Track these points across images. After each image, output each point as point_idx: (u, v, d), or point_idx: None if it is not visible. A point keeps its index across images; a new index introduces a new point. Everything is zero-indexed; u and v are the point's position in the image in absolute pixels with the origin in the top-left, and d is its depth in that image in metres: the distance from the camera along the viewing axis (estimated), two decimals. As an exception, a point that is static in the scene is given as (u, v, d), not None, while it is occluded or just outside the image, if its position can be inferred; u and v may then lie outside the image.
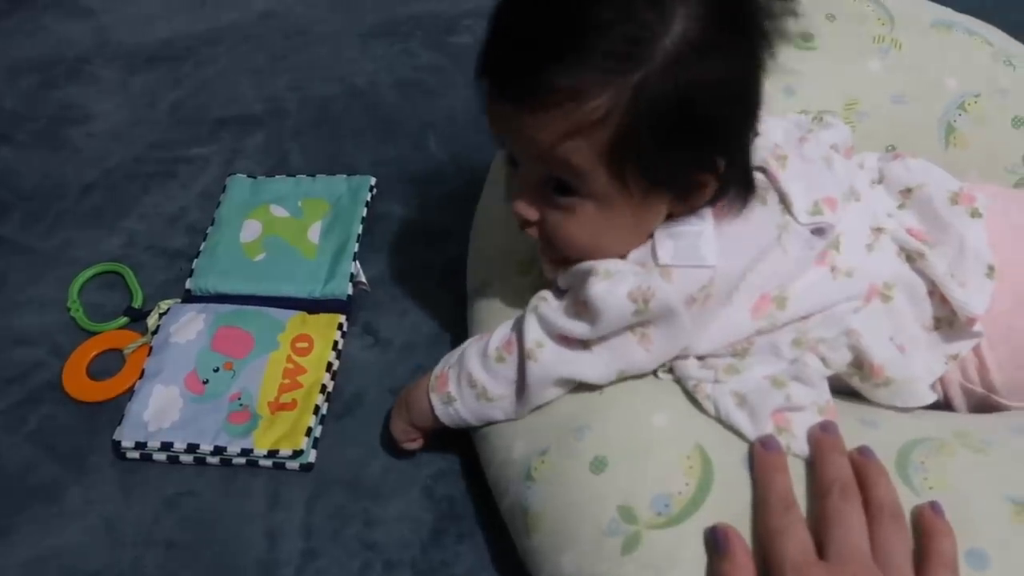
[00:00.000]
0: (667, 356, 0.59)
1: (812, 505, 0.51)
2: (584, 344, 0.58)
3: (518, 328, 0.60)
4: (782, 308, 0.58)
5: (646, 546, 0.51)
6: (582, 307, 0.57)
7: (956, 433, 0.56)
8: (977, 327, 0.60)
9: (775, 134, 0.63)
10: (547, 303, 0.60)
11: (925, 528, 0.50)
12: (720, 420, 0.56)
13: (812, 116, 0.69)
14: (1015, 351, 0.62)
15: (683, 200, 0.56)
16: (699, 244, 0.55)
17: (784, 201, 0.58)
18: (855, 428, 0.56)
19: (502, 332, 0.62)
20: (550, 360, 0.58)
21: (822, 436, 0.54)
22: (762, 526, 0.51)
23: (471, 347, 0.63)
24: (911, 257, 0.62)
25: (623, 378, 0.59)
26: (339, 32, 1.10)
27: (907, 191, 0.64)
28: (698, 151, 0.53)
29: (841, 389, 0.60)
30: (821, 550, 0.49)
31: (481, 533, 0.67)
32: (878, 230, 0.62)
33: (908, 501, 0.51)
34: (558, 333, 0.58)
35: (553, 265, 0.61)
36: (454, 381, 0.62)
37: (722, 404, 0.56)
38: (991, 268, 0.61)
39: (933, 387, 0.61)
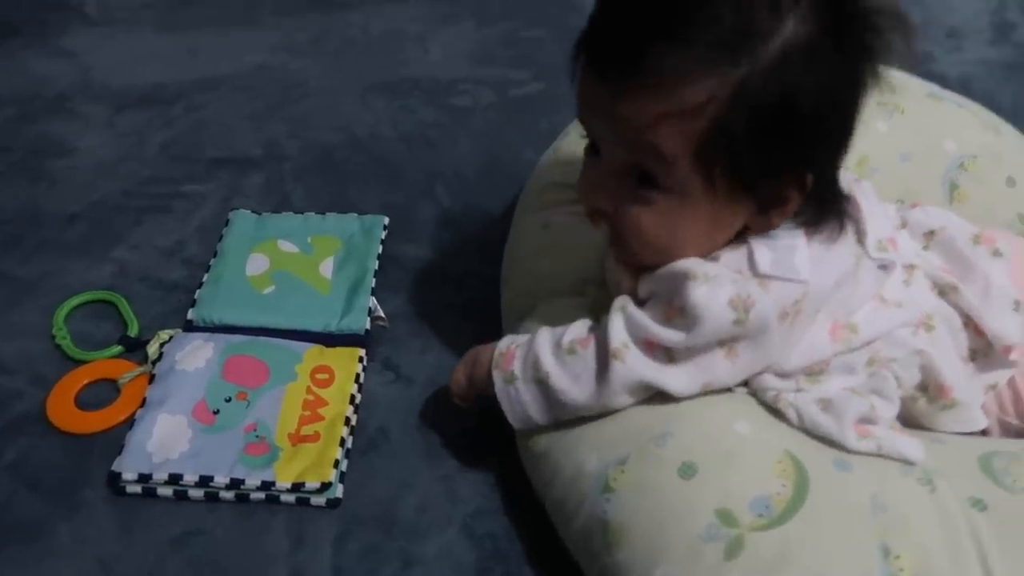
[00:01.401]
0: (751, 372, 0.58)
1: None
2: (669, 356, 0.56)
3: (601, 328, 0.58)
4: (855, 333, 0.58)
5: (750, 549, 0.49)
6: (676, 313, 0.55)
7: (1022, 447, 0.57)
8: (1013, 356, 0.63)
9: None
10: (632, 307, 0.58)
11: None
12: (803, 427, 0.56)
13: None
14: None
15: (764, 212, 0.56)
16: (794, 258, 0.55)
17: (859, 233, 0.59)
18: (928, 446, 0.56)
19: (578, 328, 0.60)
20: (635, 364, 0.56)
21: None
22: None
23: (543, 333, 0.61)
24: (943, 291, 0.64)
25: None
26: (337, 87, 1.10)
27: (930, 233, 0.68)
28: (790, 159, 0.53)
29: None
30: None
31: (530, 571, 0.63)
32: (911, 267, 0.65)
33: (1004, 499, 0.52)
34: (646, 338, 0.56)
35: (630, 271, 0.60)
36: (520, 360, 0.60)
37: (806, 411, 0.56)
38: (1017, 303, 0.64)
39: None
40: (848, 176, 0.69)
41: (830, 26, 0.50)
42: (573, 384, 0.58)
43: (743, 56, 0.50)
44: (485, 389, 0.63)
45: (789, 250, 0.55)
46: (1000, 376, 0.63)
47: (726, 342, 0.56)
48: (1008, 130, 0.84)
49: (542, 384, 0.59)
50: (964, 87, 0.95)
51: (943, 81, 0.90)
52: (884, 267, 0.61)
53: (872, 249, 0.60)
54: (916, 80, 0.89)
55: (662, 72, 0.50)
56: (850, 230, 0.59)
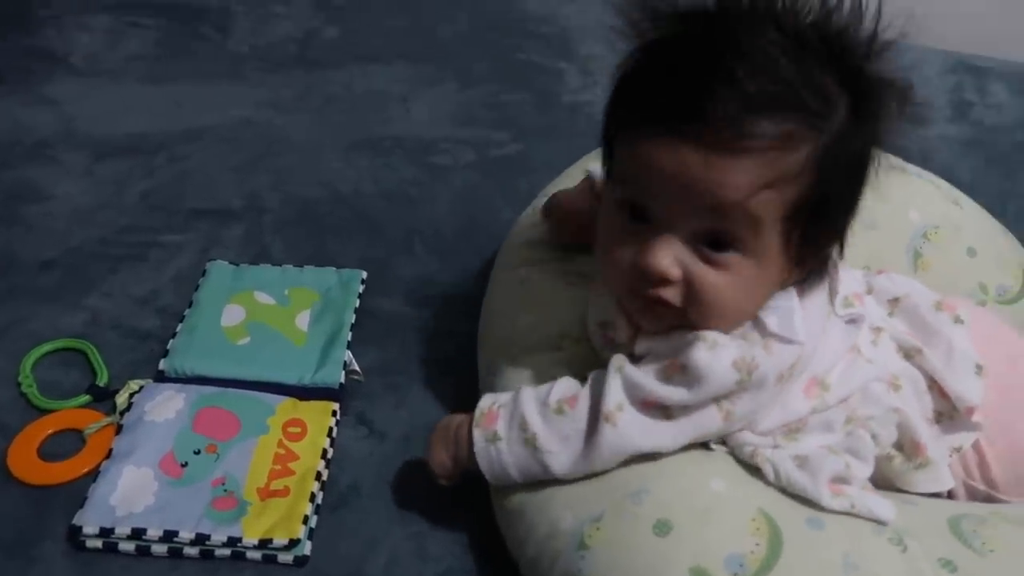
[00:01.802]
0: (735, 428, 0.58)
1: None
2: (666, 413, 0.57)
3: (592, 389, 0.58)
4: (827, 391, 0.60)
5: (725, 609, 0.49)
6: (678, 372, 0.56)
7: (991, 511, 0.58)
8: (976, 418, 0.64)
9: None
10: (630, 366, 0.58)
11: None
12: (779, 484, 0.56)
13: None
14: (1011, 447, 0.65)
15: (802, 267, 0.57)
16: (794, 320, 0.56)
17: (831, 292, 0.61)
18: (899, 506, 0.57)
19: (565, 386, 0.60)
20: (628, 426, 0.56)
21: None
22: None
23: (527, 392, 0.60)
24: (909, 354, 0.66)
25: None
26: (319, 143, 1.11)
27: (895, 300, 0.70)
28: (847, 219, 0.56)
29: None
30: None
31: (501, 633, 0.61)
32: (877, 329, 0.66)
33: (973, 560, 0.53)
34: (645, 399, 0.57)
35: (642, 331, 0.59)
36: (504, 420, 0.59)
37: (782, 467, 0.56)
38: (979, 367, 0.66)
39: None
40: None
41: (858, 96, 0.53)
42: (562, 445, 0.58)
43: (827, 122, 0.52)
44: (465, 461, 0.61)
45: (789, 311, 0.57)
46: (965, 439, 0.65)
47: (723, 402, 0.56)
48: (968, 203, 0.87)
49: (529, 445, 0.58)
50: (925, 161, 0.99)
51: (905, 155, 0.94)
52: (852, 321, 0.62)
53: (839, 306, 0.62)
54: (881, 153, 0.92)
55: (769, 136, 0.50)
56: (822, 288, 0.61)
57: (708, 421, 0.57)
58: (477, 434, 0.60)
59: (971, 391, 0.64)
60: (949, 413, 0.65)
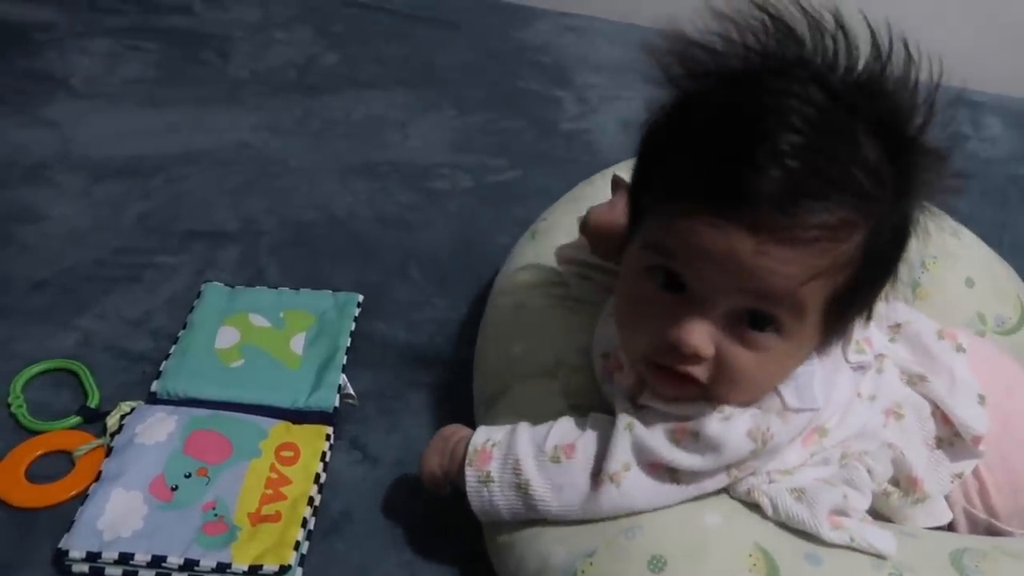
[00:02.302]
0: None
1: None
2: (674, 477, 0.56)
3: (597, 442, 0.57)
4: (825, 436, 0.59)
5: (722, 646, 0.48)
6: (689, 437, 0.55)
7: (993, 545, 0.57)
8: (981, 447, 0.63)
9: None
10: (639, 427, 0.56)
11: None
12: (777, 518, 0.56)
13: None
14: (1011, 475, 0.65)
15: (829, 341, 0.55)
16: (813, 386, 0.55)
17: (845, 341, 0.59)
18: (900, 539, 0.56)
19: (564, 430, 0.59)
20: (632, 488, 0.55)
21: None
22: None
23: (522, 433, 0.59)
24: (912, 381, 0.65)
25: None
26: (316, 167, 1.11)
27: (896, 326, 0.69)
28: (881, 290, 0.53)
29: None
30: None
31: (493, 665, 0.60)
32: (881, 356, 0.66)
33: (974, 594, 0.51)
34: (653, 460, 0.55)
35: (661, 400, 0.56)
36: (498, 461, 0.58)
37: (780, 501, 0.56)
38: (982, 397, 0.65)
39: None
40: None
41: (906, 167, 0.50)
42: (555, 495, 0.57)
43: (879, 204, 0.49)
44: (459, 482, 0.61)
45: (808, 377, 0.55)
46: (966, 466, 0.64)
47: (732, 469, 0.56)
48: (966, 234, 0.87)
49: (521, 490, 0.57)
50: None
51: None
52: (860, 368, 0.62)
53: (850, 353, 0.60)
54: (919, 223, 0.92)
55: (824, 231, 0.47)
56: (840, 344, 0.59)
57: (715, 484, 0.56)
58: (470, 473, 0.59)
59: (977, 419, 0.63)
60: (950, 439, 0.64)
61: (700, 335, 0.50)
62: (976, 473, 0.64)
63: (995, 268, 0.85)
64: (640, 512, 0.56)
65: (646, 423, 0.56)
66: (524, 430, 0.60)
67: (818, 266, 0.48)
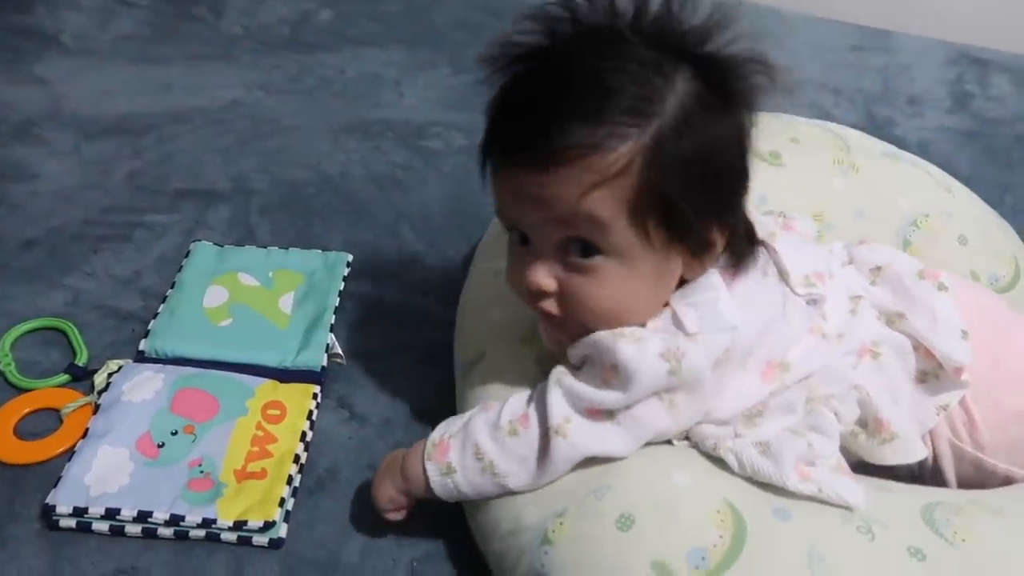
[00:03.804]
0: (690, 422, 0.58)
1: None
2: (611, 416, 0.56)
3: (539, 403, 0.58)
4: (787, 371, 0.59)
5: (688, 602, 0.48)
6: (611, 374, 0.56)
7: (968, 500, 0.57)
8: (964, 377, 0.63)
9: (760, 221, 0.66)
10: (568, 377, 0.58)
11: None
12: (744, 473, 0.56)
13: (778, 213, 0.74)
14: (997, 409, 0.64)
15: (696, 257, 0.57)
16: (719, 309, 0.56)
17: (782, 273, 0.61)
18: (871, 493, 0.56)
19: (515, 405, 0.59)
20: (579, 436, 0.56)
21: None
22: None
23: (477, 417, 0.60)
24: (891, 320, 0.65)
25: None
26: (309, 125, 1.10)
27: (876, 269, 0.69)
28: (711, 205, 0.56)
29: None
30: None
31: (475, 618, 0.61)
32: (856, 298, 0.66)
33: (943, 549, 0.52)
34: (586, 407, 0.57)
35: (559, 342, 0.60)
36: (457, 451, 0.59)
37: (746, 455, 0.56)
38: (964, 332, 0.64)
39: (923, 441, 0.63)
40: (774, 218, 0.71)
41: (712, 80, 0.54)
42: (519, 467, 0.58)
43: (649, 119, 0.53)
44: (422, 493, 0.60)
45: (711, 302, 0.57)
46: (952, 397, 0.63)
47: (663, 394, 0.56)
48: (960, 190, 0.86)
49: (487, 472, 0.58)
50: (923, 152, 0.97)
51: (903, 145, 0.92)
52: (814, 301, 0.62)
53: (797, 286, 0.62)
54: (872, 140, 0.91)
55: (581, 144, 0.52)
56: (771, 271, 0.61)
57: (655, 417, 0.56)
58: (431, 468, 0.59)
59: (958, 351, 0.63)
60: (935, 372, 0.64)
61: (538, 273, 0.57)
62: (963, 406, 0.64)
63: (990, 226, 0.84)
64: (596, 455, 0.56)
65: (576, 373, 0.58)
66: (477, 415, 0.60)
67: (588, 180, 0.53)
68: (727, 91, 0.55)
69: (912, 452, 0.60)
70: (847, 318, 0.63)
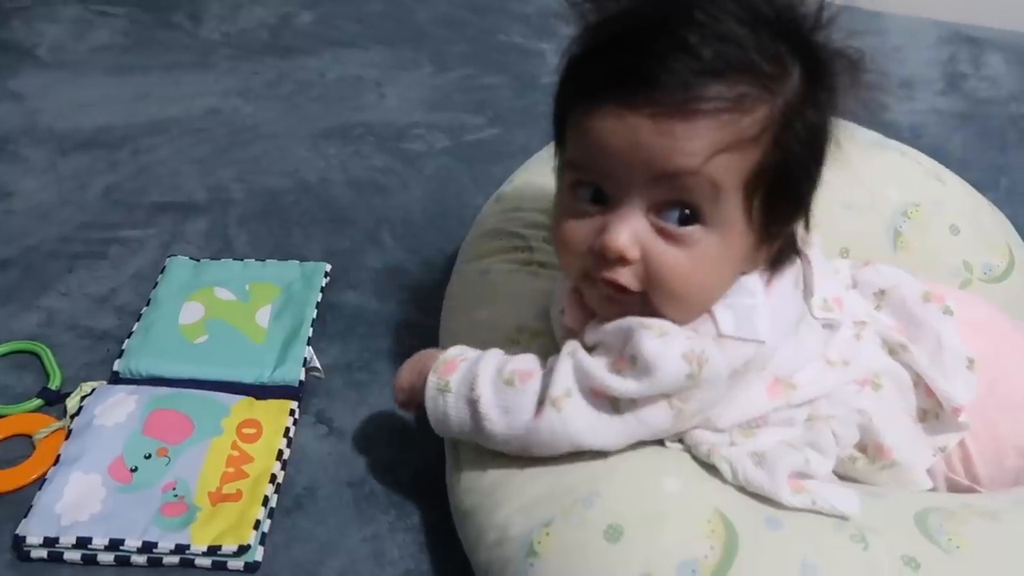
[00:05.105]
0: (688, 426, 0.56)
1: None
2: (615, 406, 0.54)
3: (548, 370, 0.56)
4: (793, 390, 0.57)
5: (676, 618, 0.46)
6: (627, 364, 0.53)
7: (961, 504, 0.55)
8: (963, 419, 0.61)
9: None
10: (583, 353, 0.55)
11: None
12: (737, 482, 0.54)
13: None
14: (995, 441, 0.62)
15: (760, 250, 0.55)
16: (754, 318, 0.54)
17: (806, 290, 0.58)
18: (864, 500, 0.54)
19: (525, 359, 0.57)
20: (573, 415, 0.54)
21: None
22: None
23: (492, 354, 0.58)
24: (894, 350, 0.63)
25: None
26: (288, 131, 1.09)
27: (881, 293, 0.67)
28: (806, 192, 0.54)
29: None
30: None
31: (457, 639, 0.59)
32: (861, 323, 0.63)
33: (937, 558, 0.50)
34: (593, 387, 0.54)
35: (578, 326, 0.57)
36: (460, 374, 0.57)
37: (739, 465, 0.54)
38: (971, 360, 0.62)
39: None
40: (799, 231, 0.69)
41: (811, 66, 0.51)
42: (501, 415, 0.56)
43: (781, 86, 0.50)
44: (419, 397, 0.60)
45: (749, 309, 0.54)
46: (951, 439, 0.61)
47: (674, 400, 0.54)
48: (951, 178, 0.84)
49: (471, 405, 0.56)
50: (915, 135, 0.95)
51: (895, 129, 0.90)
52: (829, 327, 0.60)
53: (816, 308, 0.59)
54: (861, 129, 0.88)
55: (722, 102, 0.49)
56: (799, 286, 0.58)
57: (657, 418, 0.54)
58: (432, 380, 0.58)
59: (958, 390, 0.60)
60: (935, 412, 0.62)
61: (622, 236, 0.51)
62: (962, 444, 0.62)
63: (982, 214, 0.82)
64: (582, 445, 0.54)
65: (591, 353, 0.55)
66: (493, 354, 0.59)
67: (721, 140, 0.49)
68: (832, 86, 0.52)
69: (915, 483, 0.58)
70: (852, 344, 0.61)
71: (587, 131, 0.51)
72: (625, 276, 0.52)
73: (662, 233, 0.52)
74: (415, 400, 0.61)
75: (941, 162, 0.86)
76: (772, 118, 0.50)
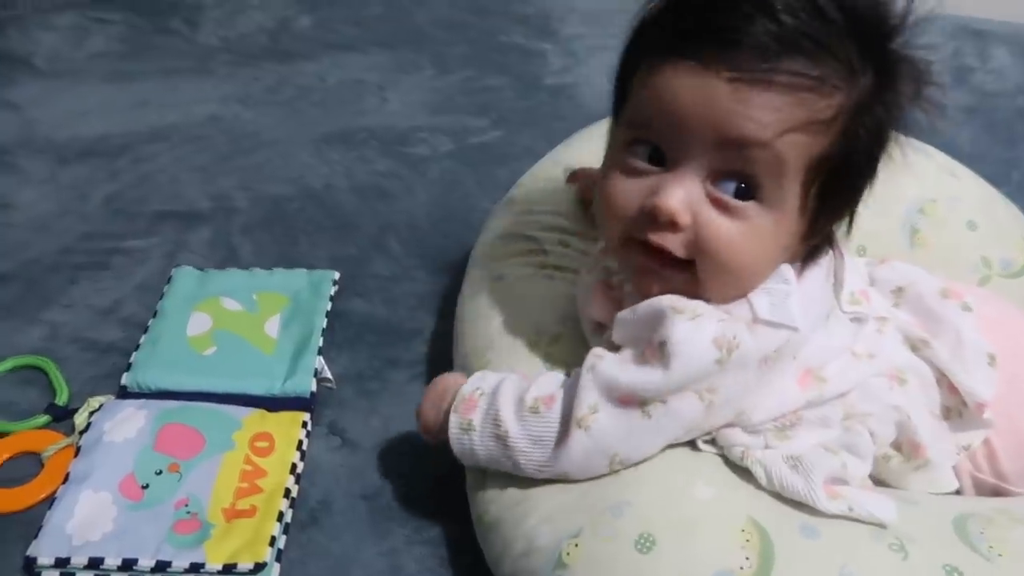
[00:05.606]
0: (721, 420, 0.55)
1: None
2: (643, 408, 0.53)
3: (570, 388, 0.55)
4: (824, 383, 0.56)
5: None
6: (654, 351, 0.52)
7: (998, 510, 0.54)
8: (987, 415, 0.60)
9: None
10: (605, 360, 0.54)
11: None
12: (771, 487, 0.53)
13: None
14: (1019, 436, 0.61)
15: (804, 240, 0.54)
16: (789, 304, 0.53)
17: (838, 283, 0.58)
18: (900, 506, 0.53)
19: (546, 383, 0.56)
20: (603, 430, 0.53)
21: None
22: None
23: (508, 383, 0.57)
24: (915, 346, 0.62)
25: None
26: (290, 138, 1.07)
27: (899, 290, 0.66)
28: (862, 189, 0.53)
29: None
30: None
31: (479, 656, 0.58)
32: (882, 319, 0.63)
33: (980, 566, 0.49)
34: (620, 394, 0.53)
35: (615, 311, 0.56)
36: (481, 411, 0.56)
37: (774, 470, 0.53)
38: (992, 356, 0.61)
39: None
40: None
41: (881, 69, 0.51)
42: (533, 446, 0.55)
43: (859, 79, 0.50)
44: (444, 434, 0.58)
45: (784, 295, 0.53)
46: (975, 437, 0.61)
47: (704, 392, 0.52)
48: (965, 173, 0.83)
49: (500, 441, 0.55)
50: (928, 132, 0.94)
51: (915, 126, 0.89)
52: (857, 320, 0.59)
53: (844, 302, 0.59)
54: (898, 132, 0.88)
55: (805, 79, 0.48)
56: (831, 279, 0.58)
57: (688, 411, 0.53)
58: (453, 420, 0.57)
59: (981, 385, 0.60)
60: (958, 409, 0.61)
61: (675, 197, 0.50)
62: (986, 441, 0.61)
63: (998, 209, 0.81)
64: (617, 456, 0.53)
65: (614, 355, 0.54)
66: (509, 383, 0.57)
67: (795, 117, 0.48)
68: (901, 90, 0.52)
69: (943, 482, 0.58)
70: (875, 338, 0.60)
71: (657, 87, 0.50)
72: (671, 241, 0.51)
73: (716, 203, 0.51)
74: (441, 436, 0.59)
75: (951, 157, 0.85)
76: (846, 107, 0.49)
